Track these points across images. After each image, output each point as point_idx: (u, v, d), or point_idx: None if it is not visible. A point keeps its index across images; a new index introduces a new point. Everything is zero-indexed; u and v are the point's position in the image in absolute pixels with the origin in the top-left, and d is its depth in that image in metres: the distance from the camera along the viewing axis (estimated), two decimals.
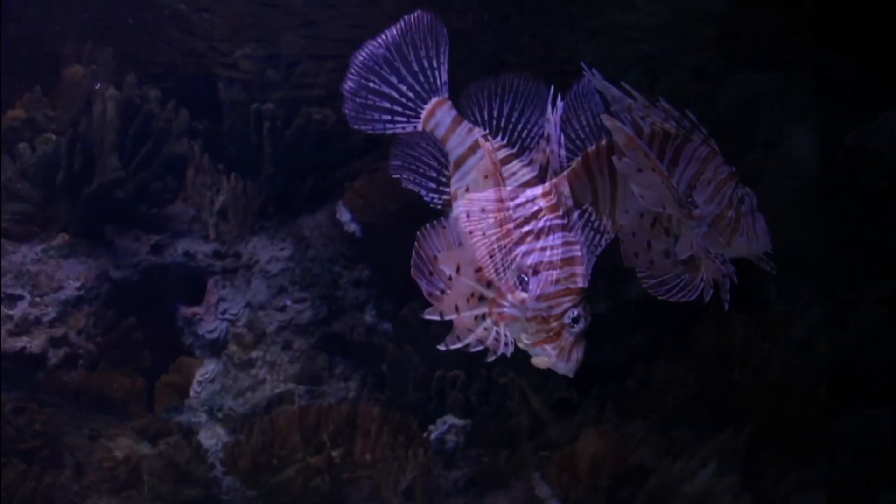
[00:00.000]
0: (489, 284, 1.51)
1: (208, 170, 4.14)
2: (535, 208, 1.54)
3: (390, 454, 3.00)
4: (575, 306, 1.52)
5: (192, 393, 3.88)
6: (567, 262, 1.52)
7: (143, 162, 4.00)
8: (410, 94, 1.64)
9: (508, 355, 1.51)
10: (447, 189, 1.63)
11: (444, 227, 1.52)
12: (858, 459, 3.81)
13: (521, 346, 1.54)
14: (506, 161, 1.58)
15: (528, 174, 1.58)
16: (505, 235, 1.50)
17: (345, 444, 2.96)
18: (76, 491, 3.32)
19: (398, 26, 1.65)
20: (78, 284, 3.74)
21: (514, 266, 1.51)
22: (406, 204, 3.88)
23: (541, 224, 1.53)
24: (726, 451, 3.79)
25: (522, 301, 1.50)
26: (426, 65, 1.64)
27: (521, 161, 1.60)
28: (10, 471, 3.18)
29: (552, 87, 1.58)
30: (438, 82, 1.64)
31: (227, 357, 3.84)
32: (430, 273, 1.52)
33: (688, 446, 3.84)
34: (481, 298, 1.51)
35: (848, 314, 4.10)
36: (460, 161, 1.62)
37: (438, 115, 1.62)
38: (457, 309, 1.51)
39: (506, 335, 1.51)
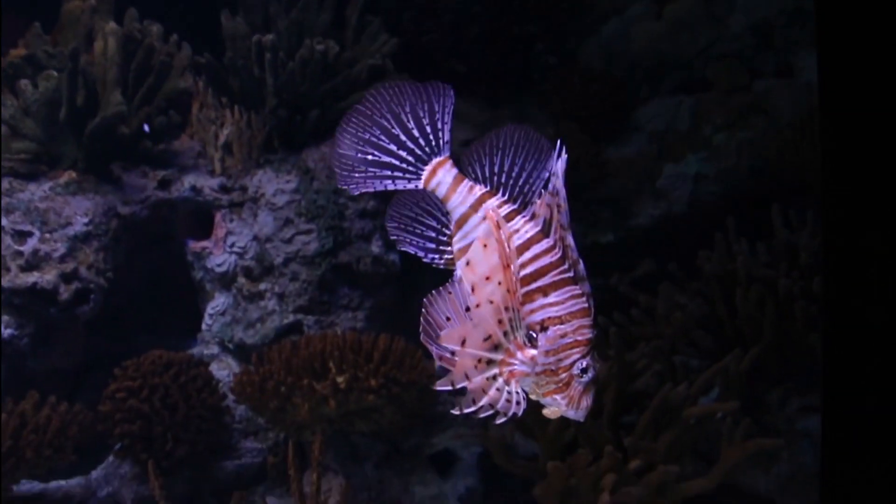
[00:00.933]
0: (497, 346, 1.51)
1: (212, 104, 4.07)
2: (541, 265, 1.55)
3: (395, 379, 3.00)
4: (583, 357, 1.54)
5: (203, 326, 3.89)
6: (573, 315, 1.54)
7: (146, 97, 3.93)
8: (411, 158, 1.63)
9: (520, 414, 1.52)
10: (448, 248, 1.63)
11: (451, 293, 1.53)
12: None
13: (532, 397, 1.56)
14: (509, 218, 1.57)
15: (531, 230, 1.58)
16: (511, 298, 1.50)
17: (350, 371, 2.96)
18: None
19: (402, 92, 1.64)
20: (86, 220, 3.71)
21: (522, 325, 1.52)
22: None
23: (547, 280, 1.54)
24: (729, 377, 3.77)
25: (532, 358, 1.51)
26: (428, 127, 1.64)
27: (524, 216, 1.59)
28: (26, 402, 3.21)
29: (558, 141, 1.60)
30: (441, 143, 1.63)
31: (236, 290, 3.83)
32: (439, 337, 1.51)
33: (690, 372, 3.82)
34: (489, 361, 1.50)
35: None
36: (462, 220, 1.60)
37: (440, 174, 1.61)
38: (467, 376, 1.50)
39: (517, 393, 1.52)
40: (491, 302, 1.51)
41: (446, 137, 1.64)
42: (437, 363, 1.52)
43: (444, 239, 1.65)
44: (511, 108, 4.97)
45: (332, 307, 3.76)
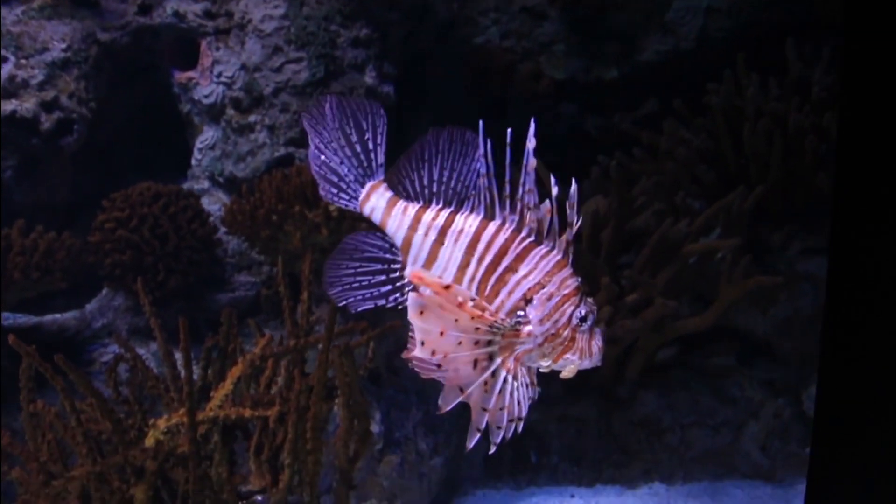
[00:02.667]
0: (490, 342, 1.44)
1: None
2: (499, 246, 1.49)
3: None
4: (576, 307, 1.48)
5: (192, 161, 3.68)
6: (550, 273, 1.48)
7: None
8: (350, 178, 1.59)
9: (524, 413, 1.47)
10: (404, 282, 1.55)
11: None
12: None
13: (545, 369, 1.52)
14: (448, 221, 1.53)
15: (474, 222, 1.52)
16: (482, 316, 1.42)
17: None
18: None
19: (332, 109, 1.58)
20: (64, 46, 3.41)
21: (506, 310, 1.47)
22: None
23: (511, 257, 1.48)
24: (731, 215, 3.59)
25: (528, 333, 1.47)
26: (360, 148, 1.58)
27: (464, 213, 1.54)
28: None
29: (532, 123, 1.53)
30: (374, 165, 1.58)
31: (225, 122, 3.58)
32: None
33: (691, 213, 3.64)
34: (489, 357, 1.45)
35: None
36: (406, 244, 1.56)
37: (373, 199, 1.57)
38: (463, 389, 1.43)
39: (521, 388, 1.46)
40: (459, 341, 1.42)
41: (380, 159, 1.59)
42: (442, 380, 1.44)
43: (397, 274, 1.58)
44: None
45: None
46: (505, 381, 1.45)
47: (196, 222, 3.20)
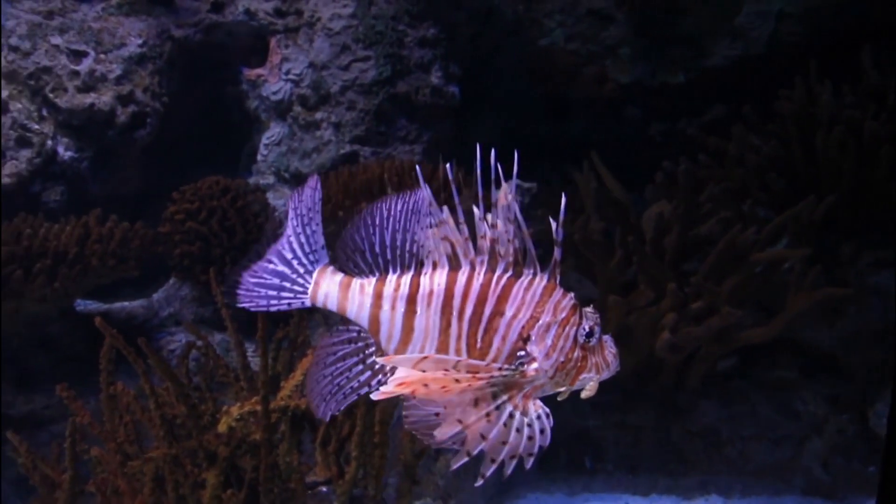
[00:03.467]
0: (494, 393, 1.35)
1: None
2: (476, 294, 1.38)
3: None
4: (578, 326, 1.39)
5: (258, 156, 3.72)
6: (541, 303, 1.38)
7: None
8: (297, 271, 1.47)
9: (546, 444, 1.36)
10: (384, 366, 1.42)
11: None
12: None
13: (563, 397, 1.43)
14: (414, 286, 1.41)
15: (441, 278, 1.41)
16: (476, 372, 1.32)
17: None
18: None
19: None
20: (140, 42, 3.48)
21: (505, 357, 1.38)
22: None
23: (492, 301, 1.38)
24: (800, 224, 3.47)
25: (537, 371, 1.37)
26: (306, 233, 1.47)
27: (426, 272, 1.42)
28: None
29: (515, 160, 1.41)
30: (317, 248, 1.47)
31: (291, 119, 3.61)
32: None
33: (758, 221, 3.54)
34: (498, 407, 1.35)
35: None
36: (373, 321, 1.43)
37: (324, 286, 1.45)
38: (482, 436, 1.33)
39: (538, 419, 1.36)
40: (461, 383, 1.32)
41: (321, 241, 1.46)
42: (448, 440, 1.33)
43: (372, 358, 1.45)
44: None
45: (390, 139, 3.53)
46: (511, 415, 1.35)
47: (263, 216, 3.23)
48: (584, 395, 1.45)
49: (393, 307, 1.42)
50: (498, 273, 1.39)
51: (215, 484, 1.89)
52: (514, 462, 1.35)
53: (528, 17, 4.09)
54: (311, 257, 1.47)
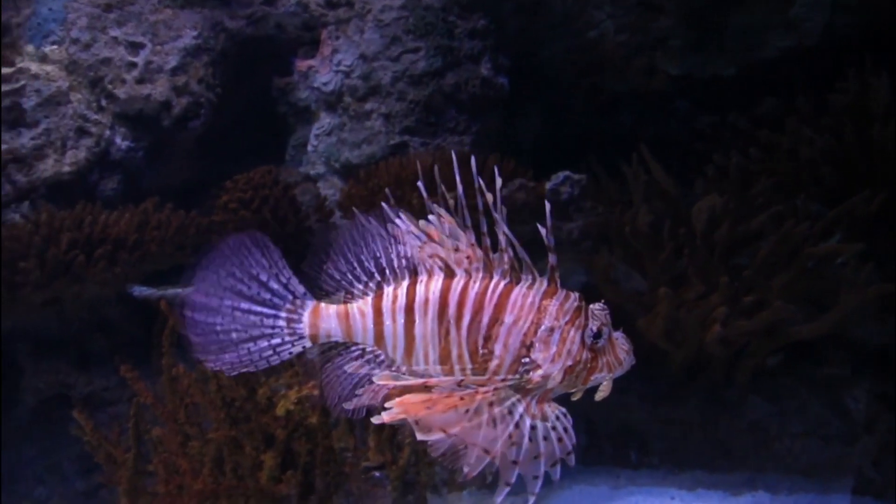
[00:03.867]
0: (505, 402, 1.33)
1: None
2: (472, 303, 1.36)
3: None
4: (584, 328, 1.37)
5: (309, 147, 3.75)
6: (541, 310, 1.36)
7: None
8: (280, 322, 1.44)
9: (571, 446, 1.35)
10: (405, 375, 1.38)
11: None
12: None
13: (576, 397, 1.42)
14: (410, 297, 1.40)
15: (436, 287, 1.39)
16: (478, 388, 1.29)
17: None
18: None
19: (219, 262, 1.44)
20: (195, 34, 3.53)
21: (508, 366, 1.35)
22: None
23: (489, 310, 1.36)
24: (854, 219, 3.39)
25: (544, 377, 1.35)
26: (274, 283, 1.44)
27: (421, 281, 1.40)
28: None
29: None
30: (298, 293, 1.45)
31: (342, 109, 3.63)
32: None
33: (812, 212, 3.46)
34: (509, 412, 1.33)
35: None
36: (379, 337, 1.42)
37: (322, 324, 1.43)
38: (512, 460, 1.31)
39: (558, 428, 1.33)
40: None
41: (298, 287, 1.45)
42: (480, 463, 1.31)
43: (378, 368, 1.43)
44: None
45: (439, 129, 3.53)
46: (533, 428, 1.33)
47: (313, 206, 3.25)
48: (597, 396, 1.42)
49: (393, 320, 1.41)
50: (495, 280, 1.37)
51: (273, 465, 1.91)
52: (558, 467, 1.35)
53: (576, 8, 4.04)
54: (295, 303, 1.45)
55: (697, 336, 3.18)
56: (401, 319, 1.41)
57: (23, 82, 3.40)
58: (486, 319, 1.37)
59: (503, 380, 1.33)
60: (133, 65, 3.45)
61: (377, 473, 2.17)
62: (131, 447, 1.94)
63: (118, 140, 3.49)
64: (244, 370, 1.44)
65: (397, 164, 2.99)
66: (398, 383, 1.30)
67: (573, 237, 3.14)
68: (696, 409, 3.60)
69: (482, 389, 1.31)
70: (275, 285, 1.46)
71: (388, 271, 1.44)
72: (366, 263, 1.45)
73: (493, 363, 1.36)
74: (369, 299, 1.43)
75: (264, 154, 3.74)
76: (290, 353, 1.46)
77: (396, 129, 3.50)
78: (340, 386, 1.46)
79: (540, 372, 1.36)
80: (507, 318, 1.37)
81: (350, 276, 1.45)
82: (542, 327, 1.36)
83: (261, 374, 2.14)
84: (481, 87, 3.54)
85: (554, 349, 1.36)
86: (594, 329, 1.38)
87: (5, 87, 3.36)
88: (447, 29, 3.50)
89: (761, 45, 4.03)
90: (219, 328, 1.48)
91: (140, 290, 3.40)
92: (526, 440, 1.32)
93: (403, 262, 1.44)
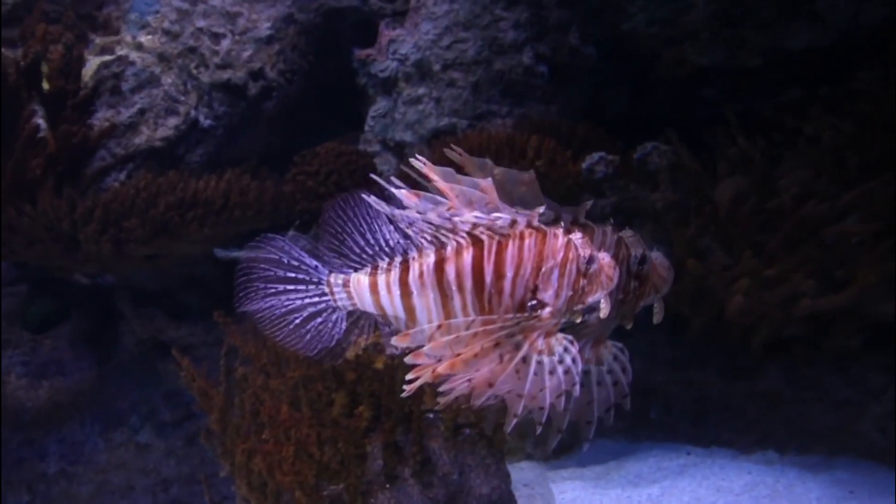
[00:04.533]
0: (512, 337, 1.26)
1: None
2: (467, 273, 1.29)
3: (546, 174, 2.73)
4: (577, 260, 1.30)
5: (366, 127, 3.74)
6: (539, 254, 1.29)
7: None
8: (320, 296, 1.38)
9: (577, 382, 1.27)
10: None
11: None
12: None
13: (629, 326, 1.37)
14: (405, 272, 1.33)
15: (429, 261, 1.32)
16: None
17: (505, 164, 2.70)
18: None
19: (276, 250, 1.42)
20: (269, 25, 3.53)
21: (515, 311, 1.27)
22: None
23: (491, 270, 1.28)
24: (874, 200, 3.23)
25: (552, 314, 1.29)
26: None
27: (413, 257, 1.32)
28: None
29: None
30: (324, 269, 1.40)
31: (396, 94, 3.60)
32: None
33: (833, 194, 3.31)
34: (515, 347, 1.26)
35: None
36: (410, 309, 1.34)
37: (356, 293, 1.39)
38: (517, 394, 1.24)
39: (565, 363, 1.25)
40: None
41: (321, 264, 1.40)
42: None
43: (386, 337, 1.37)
44: None
45: (485, 113, 3.47)
46: (539, 363, 1.26)
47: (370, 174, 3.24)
48: (655, 319, 1.37)
49: (390, 292, 1.37)
50: (486, 245, 1.30)
51: (343, 403, 1.93)
52: (563, 399, 1.26)
53: (611, 2, 3.92)
54: (316, 274, 1.41)
55: (718, 304, 3.09)
56: (397, 291, 1.36)
57: (122, 67, 3.47)
58: (489, 279, 1.31)
59: (513, 317, 1.25)
60: (216, 52, 3.47)
61: (430, 415, 2.17)
62: (222, 382, 1.98)
63: (201, 118, 3.54)
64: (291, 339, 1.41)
65: (442, 146, 2.95)
66: (413, 341, 1.25)
67: (606, 212, 3.07)
68: (714, 373, 3.51)
69: (491, 326, 1.24)
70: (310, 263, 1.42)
71: (380, 252, 1.38)
72: (364, 242, 1.40)
73: (546, 311, 1.30)
74: (393, 270, 1.37)
75: (328, 131, 3.74)
76: (335, 319, 1.43)
77: (445, 111, 3.42)
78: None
79: (548, 309, 1.29)
80: (509, 272, 1.30)
81: (354, 248, 1.40)
82: (543, 269, 1.30)
83: None
84: (523, 75, 3.46)
85: (556, 285, 1.30)
86: (586, 257, 1.31)
87: (107, 72, 3.44)
88: (493, 21, 3.40)
89: (787, 36, 3.84)
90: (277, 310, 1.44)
91: (222, 252, 3.46)
92: (531, 374, 1.25)
93: (392, 244, 1.39)
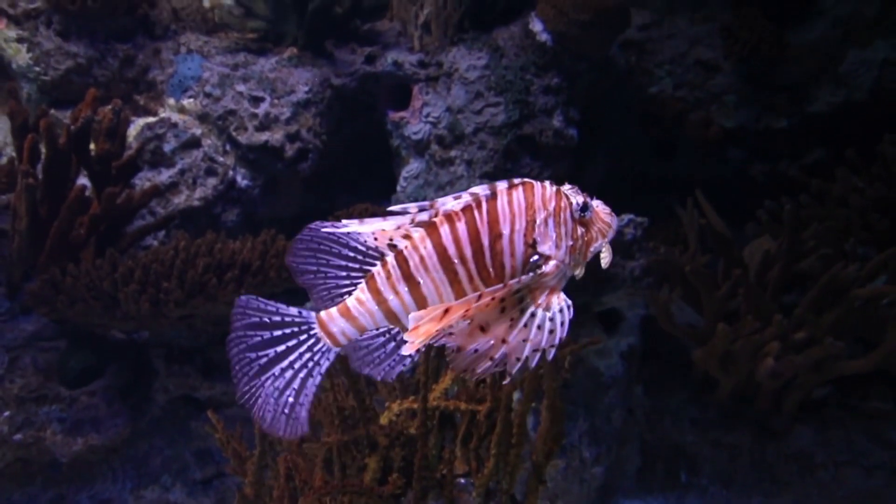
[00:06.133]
0: (520, 298, 1.27)
1: None
2: (464, 230, 1.27)
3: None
4: (569, 207, 1.32)
5: (398, 188, 3.89)
6: (529, 205, 1.29)
7: None
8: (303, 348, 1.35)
9: (561, 337, 1.28)
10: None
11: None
12: None
13: (580, 275, 1.36)
14: (403, 262, 1.31)
15: (425, 239, 1.30)
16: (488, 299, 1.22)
17: None
18: None
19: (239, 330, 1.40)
20: (306, 89, 3.74)
21: (520, 270, 1.28)
22: (597, 13, 3.49)
23: (486, 230, 1.27)
24: None
25: (557, 266, 1.29)
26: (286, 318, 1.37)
27: (402, 244, 1.30)
28: None
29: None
30: (301, 314, 1.37)
31: (429, 156, 3.77)
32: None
33: (861, 255, 3.40)
34: (521, 310, 1.26)
35: None
36: (389, 316, 1.33)
37: (334, 327, 1.34)
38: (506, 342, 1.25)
39: (560, 312, 1.27)
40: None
41: (299, 310, 1.39)
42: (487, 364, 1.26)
43: (400, 337, 1.37)
44: None
45: (515, 174, 3.62)
46: (532, 315, 1.26)
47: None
48: (604, 264, 1.38)
49: (396, 293, 1.32)
50: (474, 205, 1.29)
51: (375, 469, 2.01)
52: (538, 356, 1.26)
53: (639, 66, 4.11)
54: (300, 327, 1.37)
55: (748, 366, 3.16)
56: (404, 287, 1.31)
57: (165, 129, 3.67)
58: (486, 241, 1.29)
59: (518, 281, 1.27)
60: (254, 115, 3.67)
61: (462, 480, 2.24)
62: (258, 444, 2.07)
63: (239, 178, 3.71)
64: (290, 401, 1.39)
65: None
66: (423, 323, 1.24)
67: (635, 274, 3.18)
68: (744, 434, 3.56)
69: (498, 294, 1.25)
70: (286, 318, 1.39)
71: (366, 259, 1.35)
72: (324, 273, 1.36)
73: (508, 275, 1.29)
74: (363, 285, 1.34)
75: (362, 192, 3.90)
76: (327, 362, 1.39)
77: (477, 173, 3.60)
78: (368, 360, 1.40)
79: (552, 262, 1.30)
80: (505, 230, 1.29)
81: (335, 277, 1.36)
82: (538, 222, 1.30)
83: (367, 388, 2.26)
84: (554, 138, 3.63)
85: (554, 235, 1.30)
86: (579, 203, 1.33)
87: (150, 133, 3.63)
88: (524, 86, 3.60)
89: (812, 99, 4.00)
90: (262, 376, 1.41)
91: None
92: (521, 324, 1.26)
93: (372, 248, 1.35)
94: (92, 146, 3.26)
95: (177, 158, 3.64)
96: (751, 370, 3.14)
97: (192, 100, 3.74)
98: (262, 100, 3.69)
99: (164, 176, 3.62)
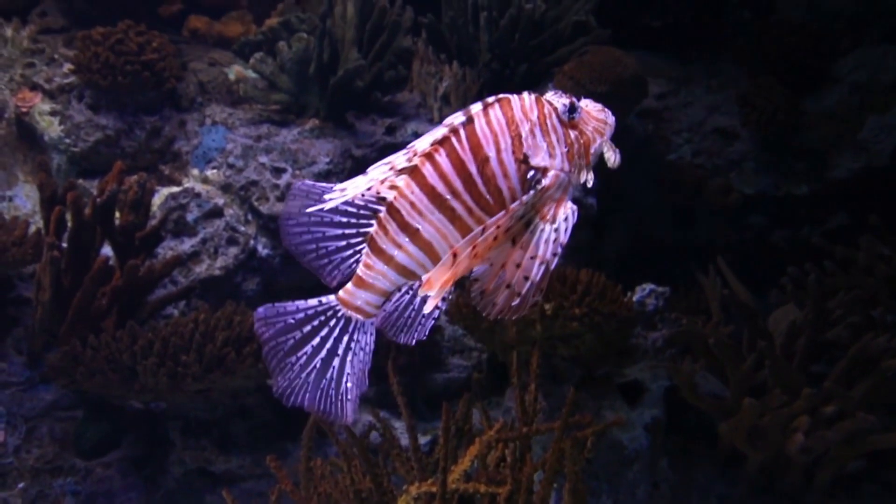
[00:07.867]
0: (525, 220, 1.24)
1: (432, 60, 4.05)
2: (447, 163, 1.23)
3: (597, 310, 2.86)
4: (556, 113, 1.26)
5: None
6: (510, 121, 1.24)
7: (379, 53, 3.99)
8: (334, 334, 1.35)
9: (566, 240, 1.24)
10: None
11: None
12: None
13: (591, 183, 1.33)
14: (396, 212, 1.28)
15: (411, 184, 1.27)
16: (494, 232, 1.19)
17: (556, 300, 2.86)
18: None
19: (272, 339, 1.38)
20: (328, 160, 3.85)
21: (519, 189, 1.24)
22: (614, 85, 3.58)
23: (470, 158, 1.22)
24: None
25: (557, 175, 1.25)
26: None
27: (389, 194, 1.28)
28: None
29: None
30: (323, 301, 1.37)
31: None
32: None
33: (888, 328, 3.37)
34: (529, 223, 1.22)
35: None
36: (402, 272, 1.31)
37: (358, 300, 1.34)
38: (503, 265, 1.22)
39: (559, 230, 1.23)
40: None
41: (319, 298, 1.38)
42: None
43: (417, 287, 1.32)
44: (704, 63, 4.58)
45: None
46: (541, 231, 1.23)
47: None
48: (610, 164, 1.32)
49: (399, 246, 1.28)
50: (451, 137, 1.23)
51: None
52: (543, 269, 1.22)
53: (657, 134, 4.19)
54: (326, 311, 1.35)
55: (777, 441, 3.10)
56: (405, 237, 1.27)
57: (188, 199, 3.78)
58: (474, 169, 1.23)
59: (520, 203, 1.22)
60: (276, 186, 3.78)
61: None
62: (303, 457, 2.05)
63: (260, 247, 3.80)
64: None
65: None
66: (435, 275, 1.21)
67: (658, 345, 3.17)
68: None
69: (503, 221, 1.20)
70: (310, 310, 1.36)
71: (358, 223, 1.32)
72: (339, 228, 1.33)
73: (507, 199, 1.24)
74: (365, 251, 1.31)
75: None
76: (367, 335, 1.36)
77: None
78: (401, 324, 1.36)
79: (552, 172, 1.25)
80: (490, 152, 1.23)
81: (336, 250, 1.34)
82: (523, 135, 1.24)
83: (382, 468, 2.26)
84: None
85: (545, 145, 1.24)
86: (566, 105, 1.27)
87: (174, 203, 3.74)
88: None
89: (832, 166, 4.04)
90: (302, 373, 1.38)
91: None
92: (532, 243, 1.22)
93: (363, 207, 1.31)
94: (117, 216, 3.36)
95: (199, 228, 3.73)
96: (780, 445, 3.08)
97: (215, 170, 3.86)
98: (283, 171, 3.80)
99: (187, 245, 3.71)
